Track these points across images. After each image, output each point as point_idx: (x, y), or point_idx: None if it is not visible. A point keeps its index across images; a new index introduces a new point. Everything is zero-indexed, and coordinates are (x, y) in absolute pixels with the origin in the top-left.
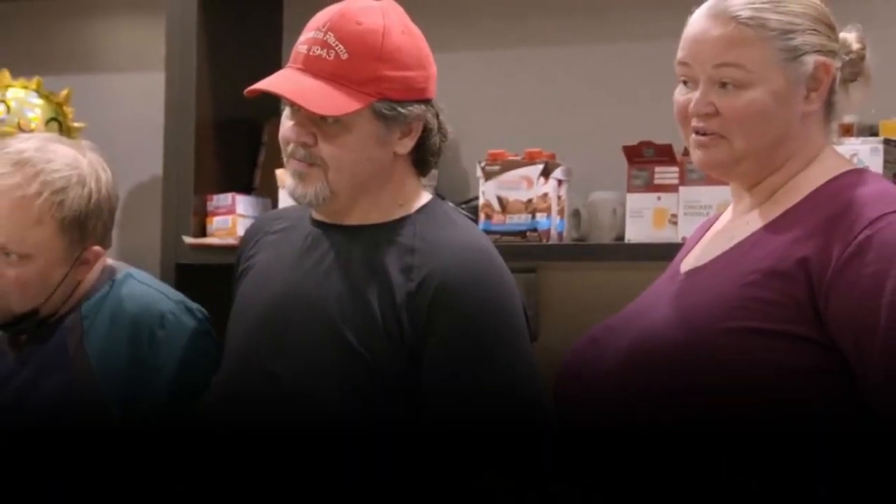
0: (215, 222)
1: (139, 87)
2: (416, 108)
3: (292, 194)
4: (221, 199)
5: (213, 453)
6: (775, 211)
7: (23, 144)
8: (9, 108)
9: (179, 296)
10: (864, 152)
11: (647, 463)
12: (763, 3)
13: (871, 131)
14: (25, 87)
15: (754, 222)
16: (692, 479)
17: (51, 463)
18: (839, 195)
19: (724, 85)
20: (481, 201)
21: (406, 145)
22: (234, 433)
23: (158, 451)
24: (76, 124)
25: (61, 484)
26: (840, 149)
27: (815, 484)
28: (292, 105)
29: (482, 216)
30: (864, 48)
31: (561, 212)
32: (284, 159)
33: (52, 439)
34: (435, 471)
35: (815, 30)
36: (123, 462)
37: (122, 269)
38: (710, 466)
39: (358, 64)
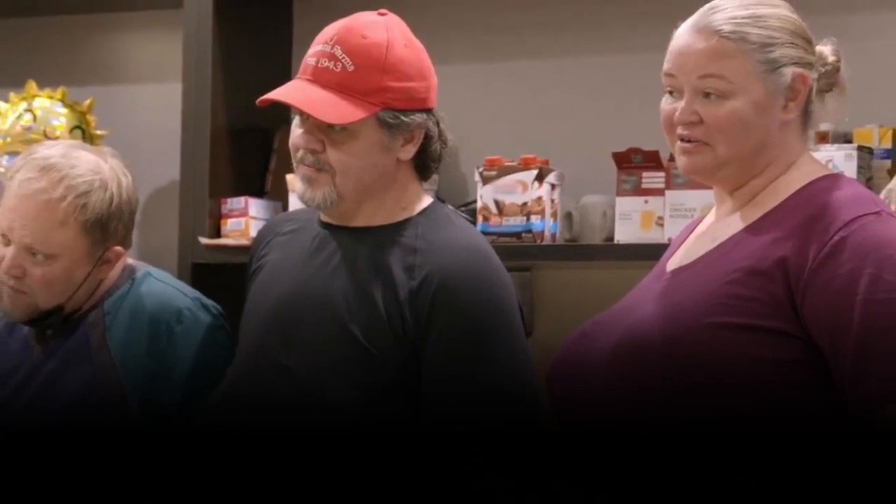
0: (229, 224)
1: (158, 97)
2: (418, 117)
3: (301, 198)
4: (235, 203)
5: (225, 444)
6: (756, 213)
7: (49, 151)
8: (35, 117)
9: (195, 293)
10: (838, 158)
11: (642, 460)
12: (744, 18)
13: (846, 138)
14: (51, 97)
15: (736, 224)
16: (688, 475)
17: (70, 453)
18: (816, 198)
19: (707, 95)
20: (479, 204)
21: (409, 152)
22: (246, 422)
23: (175, 440)
24: (98, 132)
25: (80, 472)
26: (816, 155)
27: (802, 476)
28: (302, 114)
29: (480, 218)
30: (838, 60)
31: (554, 214)
32: (294, 165)
33: (72, 431)
34: (435, 468)
35: (793, 43)
36: (140, 448)
37: (142, 267)
38: (707, 463)
39: (363, 75)
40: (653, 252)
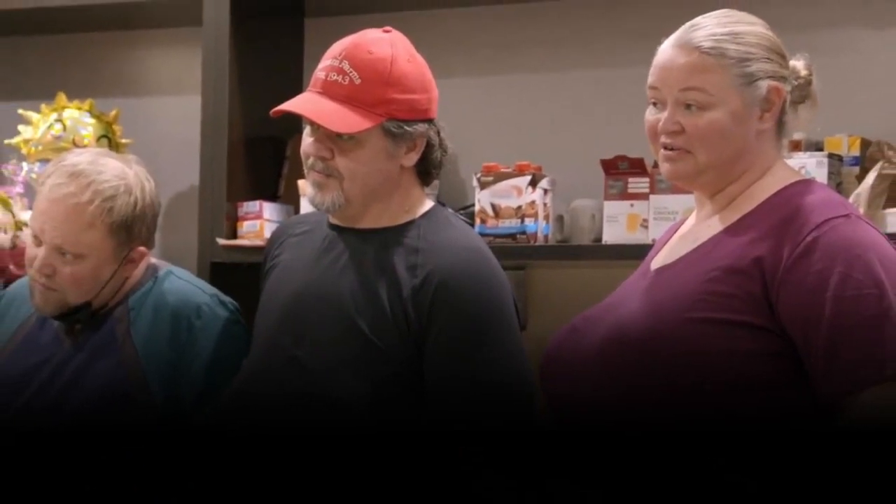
0: (245, 226)
1: (178, 108)
2: (421, 127)
3: (312, 202)
4: (250, 206)
5: (236, 437)
6: (733, 216)
7: (77, 158)
8: (65, 127)
9: (214, 290)
10: (811, 165)
11: (637, 458)
12: (723, 35)
13: (817, 147)
14: (79, 108)
15: (715, 226)
16: (681, 472)
17: (97, 441)
18: (789, 202)
19: (688, 106)
20: (477, 208)
21: (411, 159)
22: (259, 415)
23: (190, 434)
24: (124, 141)
25: (105, 462)
26: (790, 162)
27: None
28: (312, 124)
29: (478, 221)
30: (811, 74)
31: (546, 217)
32: (305, 171)
33: (99, 420)
34: (433, 466)
35: (768, 58)
36: (160, 440)
37: (164, 266)
38: (699, 460)
39: (369, 88)
40: (638, 252)
